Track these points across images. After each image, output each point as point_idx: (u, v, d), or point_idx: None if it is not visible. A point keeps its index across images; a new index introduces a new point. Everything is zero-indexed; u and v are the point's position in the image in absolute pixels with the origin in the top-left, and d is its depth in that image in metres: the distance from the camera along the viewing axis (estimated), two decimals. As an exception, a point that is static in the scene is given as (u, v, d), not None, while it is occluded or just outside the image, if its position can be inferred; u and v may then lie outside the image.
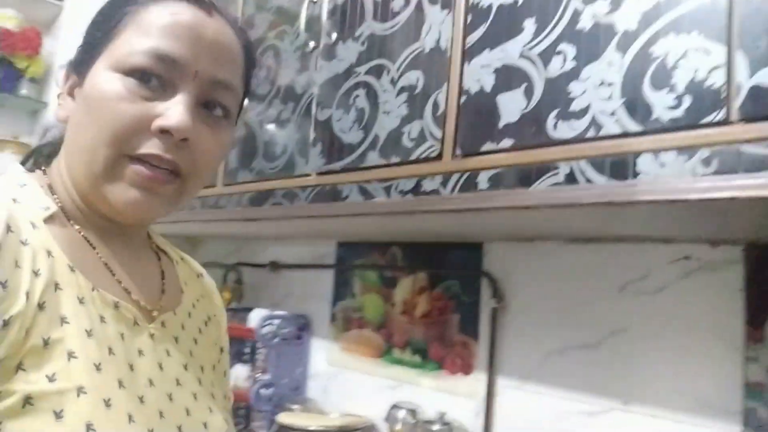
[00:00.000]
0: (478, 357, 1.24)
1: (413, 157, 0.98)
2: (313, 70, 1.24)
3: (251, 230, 1.71)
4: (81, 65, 0.57)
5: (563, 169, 0.77)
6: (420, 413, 1.31)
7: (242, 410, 1.69)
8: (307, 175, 1.20)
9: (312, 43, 1.24)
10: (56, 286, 0.50)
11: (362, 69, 1.11)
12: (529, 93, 0.83)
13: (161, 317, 0.61)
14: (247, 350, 1.77)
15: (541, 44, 0.83)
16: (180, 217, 1.59)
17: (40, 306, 0.48)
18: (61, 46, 2.03)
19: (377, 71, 1.08)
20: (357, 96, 1.11)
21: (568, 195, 0.77)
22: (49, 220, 0.54)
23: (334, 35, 1.19)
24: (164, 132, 0.53)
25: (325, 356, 1.62)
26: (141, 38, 0.54)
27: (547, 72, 0.81)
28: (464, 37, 0.94)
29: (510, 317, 1.21)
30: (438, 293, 1.35)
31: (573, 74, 0.78)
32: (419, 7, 1.03)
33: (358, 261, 1.56)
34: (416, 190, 0.97)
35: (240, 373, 1.71)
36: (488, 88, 0.89)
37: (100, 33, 0.57)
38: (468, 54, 0.93)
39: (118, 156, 0.53)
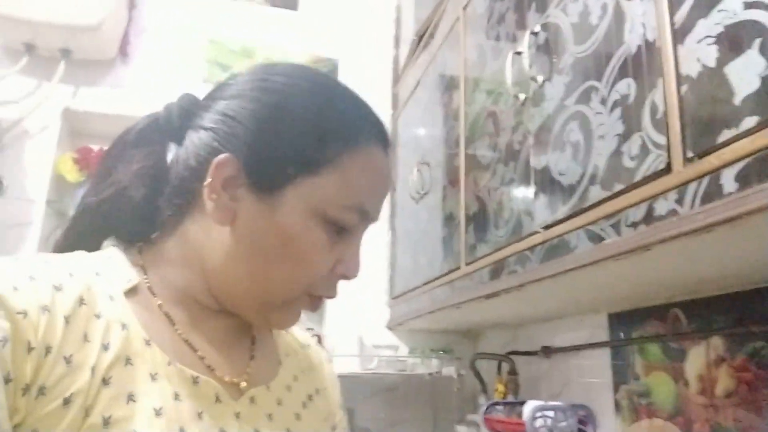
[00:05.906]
0: (817, 448, 0.86)
1: (638, 177, 0.79)
2: (527, 121, 1.14)
3: (514, 312, 1.58)
4: (264, 176, 0.52)
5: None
6: None
7: None
8: (535, 233, 1.06)
9: (522, 95, 1.16)
10: (127, 361, 0.47)
11: (571, 100, 0.97)
12: (766, 48, 0.60)
13: (250, 392, 0.55)
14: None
15: (768, -21, 0.60)
16: (430, 306, 1.57)
17: (105, 381, 0.45)
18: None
19: (586, 96, 0.93)
20: (570, 131, 0.97)
21: None
22: (131, 292, 0.52)
23: (540, 77, 1.08)
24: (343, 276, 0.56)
25: (614, 455, 1.33)
26: (347, 191, 0.52)
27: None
28: (671, 17, 0.75)
29: None
30: (742, 361, 1.01)
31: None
32: (618, 8, 0.87)
33: (634, 333, 1.29)
34: (648, 217, 0.77)
35: (522, 476, 1.51)
36: (711, 63, 0.68)
37: (301, 157, 0.52)
38: (679, 34, 0.73)
39: (301, 294, 0.55)
